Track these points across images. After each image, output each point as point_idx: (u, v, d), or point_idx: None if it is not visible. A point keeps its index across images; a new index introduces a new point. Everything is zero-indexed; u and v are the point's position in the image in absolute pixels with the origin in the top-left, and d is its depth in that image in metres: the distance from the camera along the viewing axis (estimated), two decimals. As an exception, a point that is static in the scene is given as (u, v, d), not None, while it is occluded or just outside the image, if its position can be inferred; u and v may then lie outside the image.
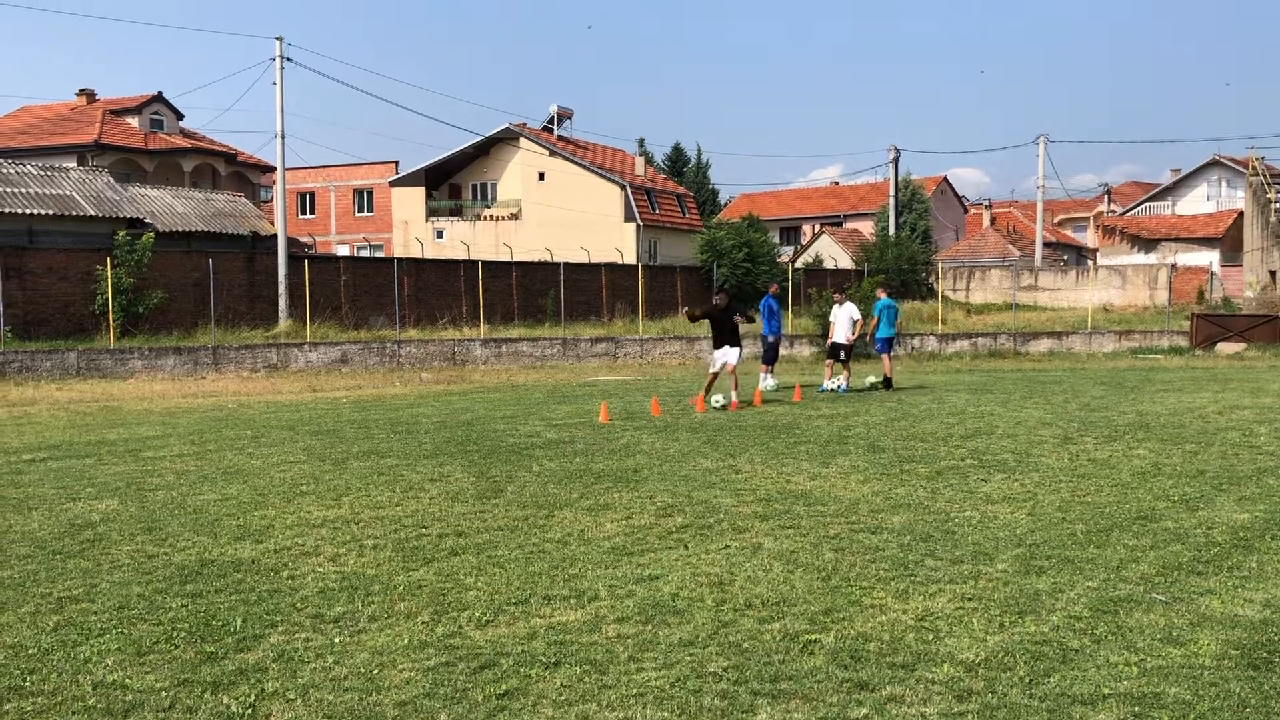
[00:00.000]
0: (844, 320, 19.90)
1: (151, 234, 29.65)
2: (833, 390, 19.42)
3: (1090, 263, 60.27)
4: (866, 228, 64.88)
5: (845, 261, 54.96)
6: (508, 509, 8.64)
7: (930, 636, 5.33)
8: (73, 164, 39.37)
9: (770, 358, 20.53)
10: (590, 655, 5.12)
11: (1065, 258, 67.81)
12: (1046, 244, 60.77)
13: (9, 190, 30.98)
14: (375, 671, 4.95)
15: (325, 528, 8.01)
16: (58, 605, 6.07)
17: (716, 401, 16.57)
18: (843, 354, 19.88)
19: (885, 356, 20.41)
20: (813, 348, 32.40)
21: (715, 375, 17.08)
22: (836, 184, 79.44)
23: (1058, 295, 49.54)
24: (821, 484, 9.64)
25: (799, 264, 51.38)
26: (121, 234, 28.89)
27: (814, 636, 5.33)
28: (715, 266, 40.07)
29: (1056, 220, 75.30)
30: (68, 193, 32.40)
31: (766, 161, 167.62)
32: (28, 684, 4.84)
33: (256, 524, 8.20)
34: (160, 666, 5.05)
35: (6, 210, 29.99)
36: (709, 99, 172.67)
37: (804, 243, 65.74)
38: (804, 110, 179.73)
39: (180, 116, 50.32)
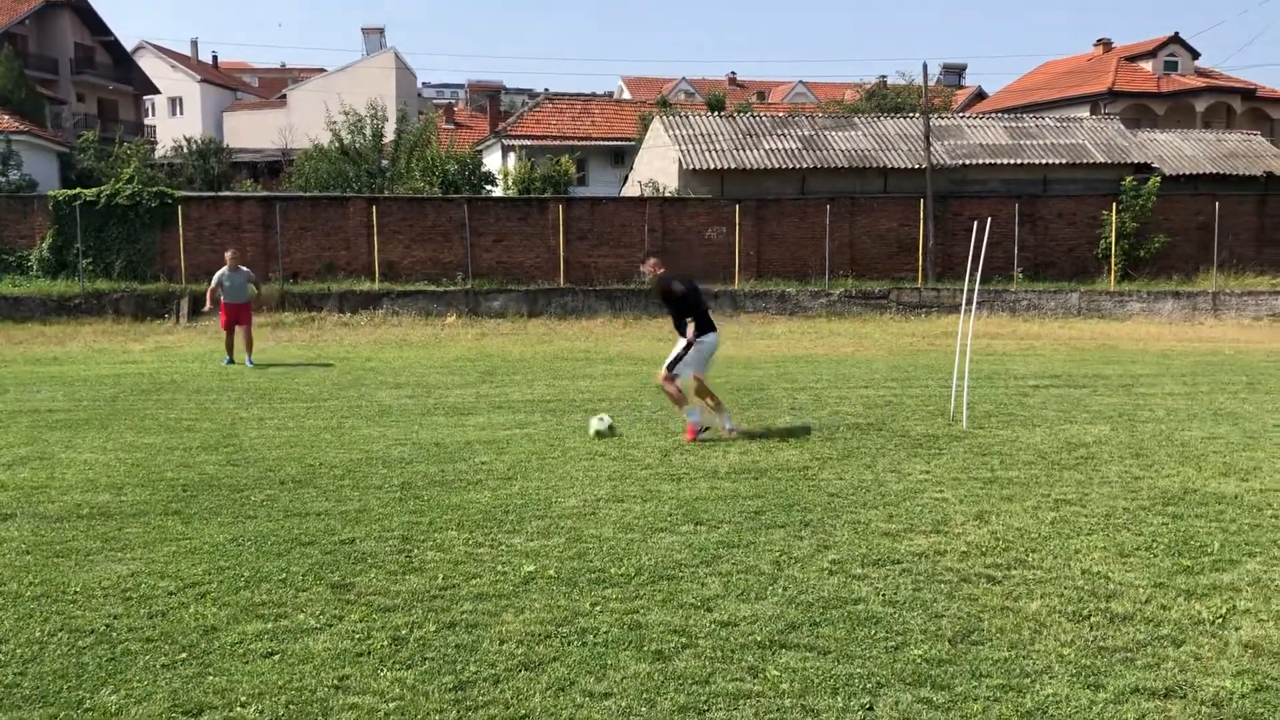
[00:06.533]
0: None
1: (1157, 178, 29.74)
2: None
3: None
4: None
5: None
6: None
7: None
8: (1085, 113, 41.14)
9: None
10: None
11: None
12: None
13: (1028, 143, 33.71)
14: None
15: (1318, 478, 7.74)
16: (1054, 505, 7.04)
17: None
18: None
19: None
20: None
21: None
22: None
23: None
24: None
25: None
26: (1128, 179, 29.55)
27: None
28: None
29: None
30: (1079, 141, 34.01)
31: None
32: (1029, 559, 5.84)
33: (1243, 463, 8.27)
34: (1139, 568, 5.65)
35: (1025, 161, 32.71)
36: None
37: None
38: None
39: (1195, 55, 48.98)
